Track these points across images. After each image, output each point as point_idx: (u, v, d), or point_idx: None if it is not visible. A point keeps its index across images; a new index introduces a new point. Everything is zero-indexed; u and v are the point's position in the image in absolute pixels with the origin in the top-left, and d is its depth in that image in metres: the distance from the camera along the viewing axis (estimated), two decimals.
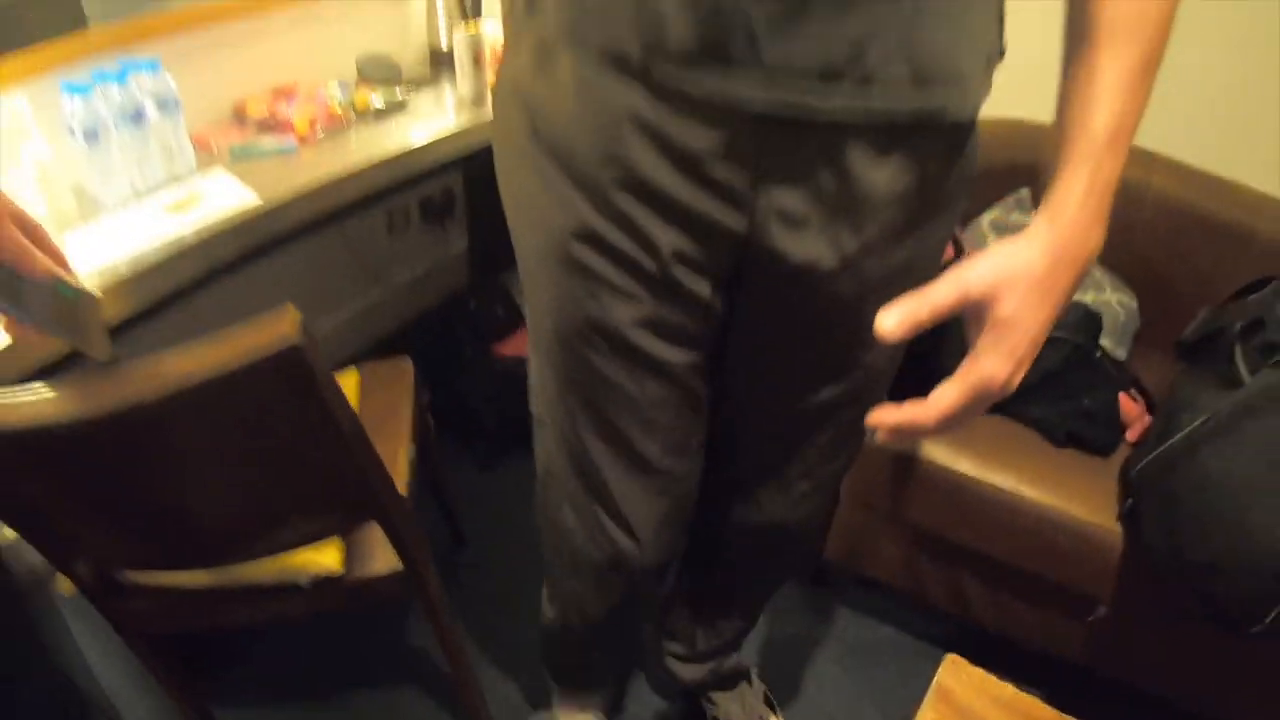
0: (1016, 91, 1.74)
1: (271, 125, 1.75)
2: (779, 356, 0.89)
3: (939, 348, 1.19)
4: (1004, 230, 1.74)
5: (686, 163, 0.68)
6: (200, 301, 1.40)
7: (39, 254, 0.77)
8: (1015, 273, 0.60)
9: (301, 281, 1.73)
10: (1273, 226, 1.61)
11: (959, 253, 1.52)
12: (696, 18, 0.60)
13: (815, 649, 1.71)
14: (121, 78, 1.49)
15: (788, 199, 0.70)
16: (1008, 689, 0.70)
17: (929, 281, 0.61)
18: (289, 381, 0.90)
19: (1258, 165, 1.67)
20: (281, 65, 1.92)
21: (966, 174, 0.77)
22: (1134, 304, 1.70)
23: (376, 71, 1.94)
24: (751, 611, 1.40)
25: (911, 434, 0.63)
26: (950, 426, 0.62)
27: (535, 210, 0.79)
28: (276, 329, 0.87)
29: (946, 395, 0.61)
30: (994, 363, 0.60)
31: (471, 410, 2.07)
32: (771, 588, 1.38)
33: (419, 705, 1.58)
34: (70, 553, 1.09)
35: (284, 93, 1.85)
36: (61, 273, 0.79)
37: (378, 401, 1.43)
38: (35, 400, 0.85)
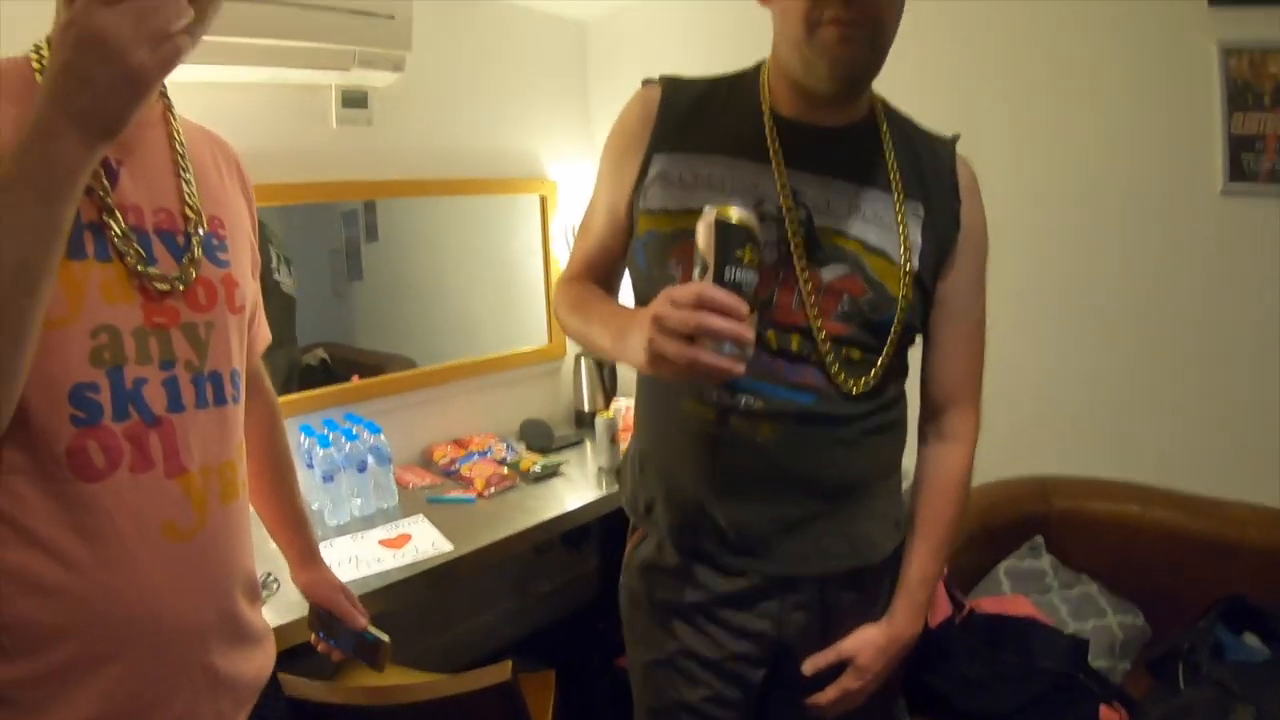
0: (1024, 454, 2.09)
1: (452, 472, 2.17)
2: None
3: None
4: (1018, 577, 1.94)
5: (742, 605, 1.10)
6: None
7: (355, 612, 1.18)
8: (867, 642, 1.09)
9: (461, 586, 2.04)
10: (1259, 534, 1.77)
11: (958, 607, 1.75)
12: (741, 540, 1.06)
13: None
14: (350, 434, 1.95)
15: (797, 614, 1.10)
16: None
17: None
18: (503, 703, 1.21)
19: (1246, 481, 1.84)
20: (461, 422, 2.41)
21: (886, 585, 1.15)
22: (1139, 621, 1.84)
23: (535, 435, 2.40)
24: None
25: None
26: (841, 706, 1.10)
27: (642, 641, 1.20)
28: (499, 674, 1.19)
29: (828, 693, 1.10)
30: (850, 680, 1.09)
31: (596, 712, 2.26)
32: None
33: None
34: None
35: (463, 444, 2.31)
36: (367, 623, 1.18)
37: (531, 702, 1.69)
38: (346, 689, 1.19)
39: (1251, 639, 1.67)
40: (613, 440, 2.23)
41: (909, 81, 2.17)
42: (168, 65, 0.63)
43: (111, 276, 0.76)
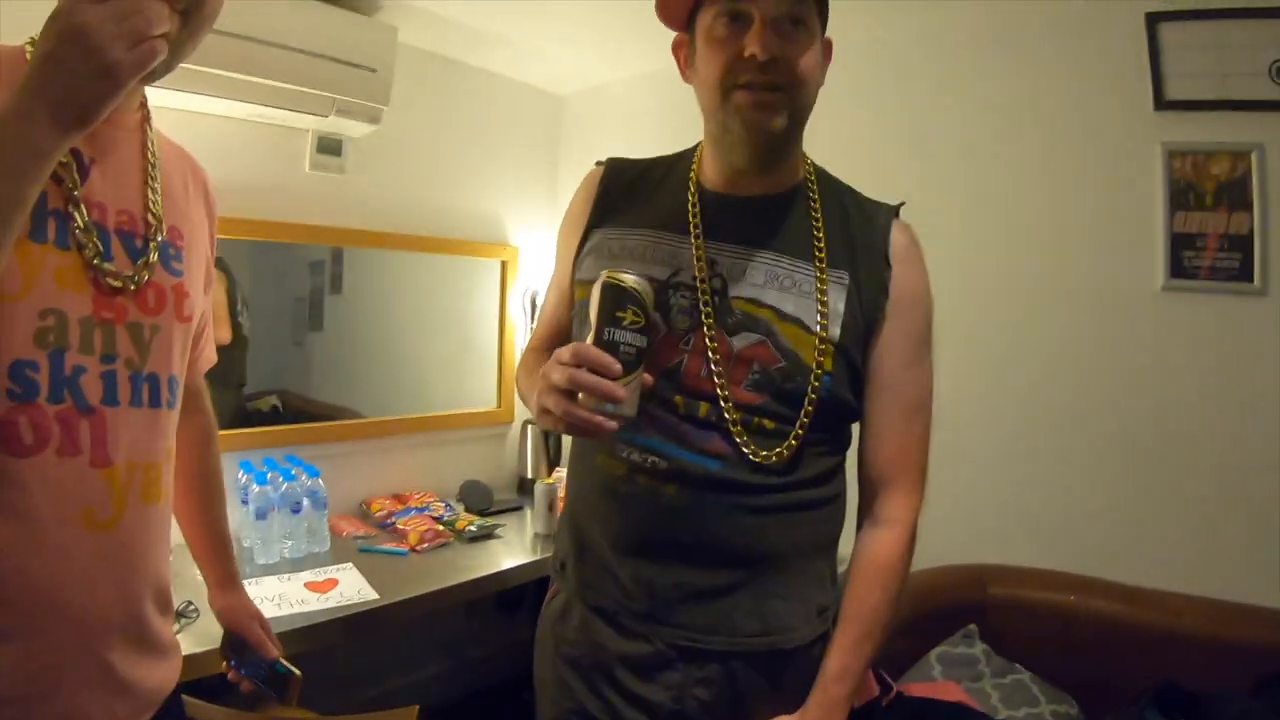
0: (961, 541, 2.10)
1: (388, 525, 2.13)
2: None
3: None
4: (950, 663, 1.94)
5: (642, 671, 1.05)
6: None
7: (269, 643, 1.17)
8: None
9: (385, 643, 1.97)
10: (1195, 623, 1.81)
11: (885, 689, 1.72)
12: (645, 600, 1.03)
13: None
14: (288, 474, 1.92)
15: (700, 690, 1.04)
16: None
17: None
18: None
19: (1182, 571, 1.87)
20: (402, 477, 2.37)
21: (805, 675, 1.07)
22: (1073, 710, 1.84)
23: (474, 496, 2.37)
24: None
25: None
26: None
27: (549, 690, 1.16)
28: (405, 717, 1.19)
29: None
30: None
31: None
32: None
33: None
34: None
35: (402, 499, 2.27)
36: (279, 655, 1.16)
37: None
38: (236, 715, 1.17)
39: None
40: (551, 507, 2.21)
41: (870, 162, 2.31)
42: (142, 64, 0.66)
43: (67, 264, 0.78)
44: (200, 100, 1.71)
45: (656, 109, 2.56)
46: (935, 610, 2.03)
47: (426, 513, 2.20)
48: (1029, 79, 2.01)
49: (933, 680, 1.91)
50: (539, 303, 2.56)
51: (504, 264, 2.59)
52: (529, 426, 2.59)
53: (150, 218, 0.88)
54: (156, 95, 1.38)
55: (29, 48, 0.80)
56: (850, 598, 1.04)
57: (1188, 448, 1.89)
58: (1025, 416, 2.08)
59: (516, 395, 2.56)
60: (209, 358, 1.11)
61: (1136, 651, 1.86)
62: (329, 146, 2.05)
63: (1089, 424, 2.00)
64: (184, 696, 1.02)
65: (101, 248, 0.81)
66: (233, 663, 1.16)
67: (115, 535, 0.81)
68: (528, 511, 2.40)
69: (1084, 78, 1.94)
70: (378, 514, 2.18)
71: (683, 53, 1.05)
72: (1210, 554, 1.87)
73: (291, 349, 2.28)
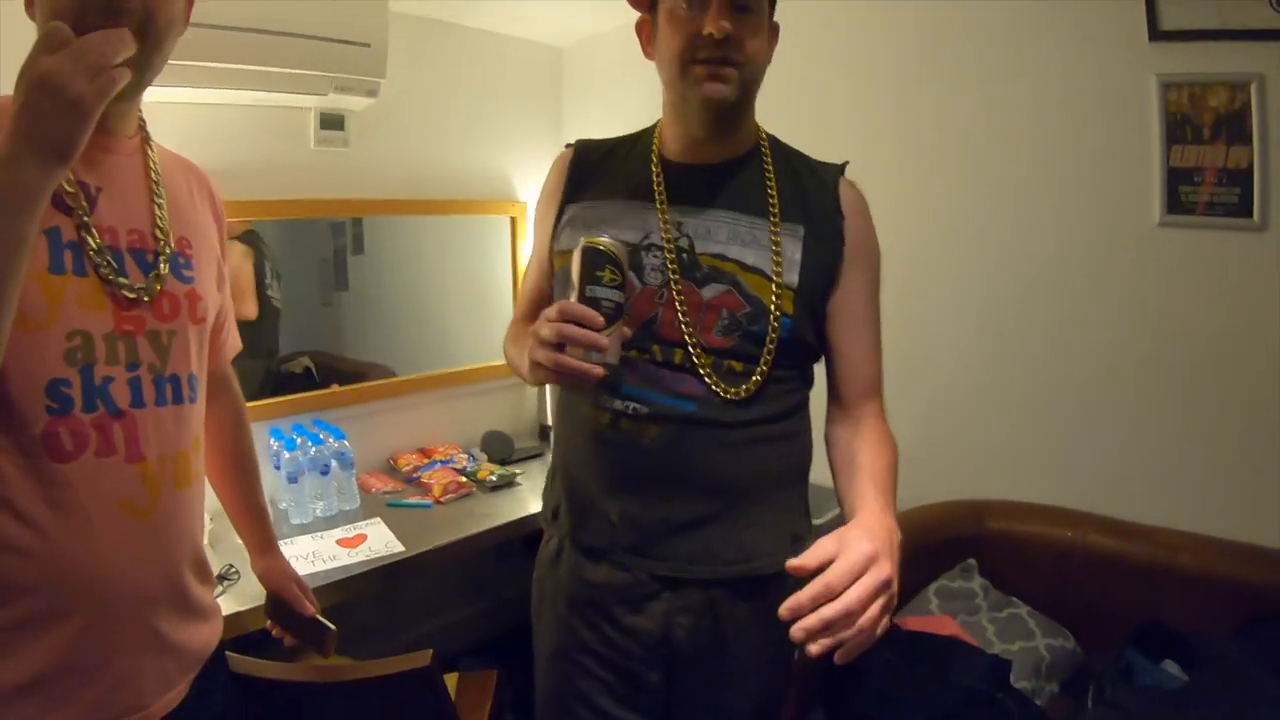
0: (960, 477, 2.17)
1: (414, 479, 2.26)
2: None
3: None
4: (948, 597, 2.01)
5: (631, 603, 1.17)
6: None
7: (306, 601, 1.30)
8: (849, 533, 0.87)
9: (421, 591, 2.13)
10: (1190, 559, 1.82)
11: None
12: (631, 534, 1.15)
13: None
14: (316, 439, 2.04)
15: (683, 618, 1.16)
16: None
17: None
18: (423, 687, 1.33)
19: (1178, 507, 1.89)
20: (427, 432, 2.49)
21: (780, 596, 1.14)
22: (1070, 644, 1.88)
23: (496, 446, 2.48)
24: None
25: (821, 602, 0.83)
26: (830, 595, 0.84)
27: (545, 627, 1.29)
28: (419, 660, 1.32)
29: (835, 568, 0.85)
30: (871, 577, 0.82)
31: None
32: None
33: None
34: None
35: (427, 453, 2.40)
36: (316, 612, 1.29)
37: (470, 699, 1.79)
38: (283, 667, 1.32)
39: (1172, 666, 1.72)
40: None
41: (853, 114, 2.28)
42: (105, 92, 0.72)
43: (87, 288, 0.87)
44: (202, 93, 1.77)
45: None
46: (935, 544, 2.09)
47: (450, 465, 2.32)
48: (1018, 10, 1.97)
49: (930, 614, 1.99)
50: None
51: (513, 220, 2.65)
52: None
53: (158, 232, 0.96)
54: (159, 93, 1.46)
55: None
56: (861, 460, 1.09)
57: (1185, 385, 1.90)
58: (1022, 354, 2.10)
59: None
60: (233, 345, 1.22)
61: (1132, 587, 1.90)
62: (331, 122, 2.10)
63: (1085, 361, 2.02)
64: (227, 653, 1.15)
65: (116, 266, 0.90)
66: (275, 619, 1.30)
67: (154, 519, 0.92)
68: (548, 457, 2.50)
69: (1075, 7, 1.90)
70: (405, 469, 2.30)
71: (645, 31, 1.16)
72: (1206, 491, 1.90)
73: (320, 310, 2.38)
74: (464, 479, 2.23)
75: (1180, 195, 1.84)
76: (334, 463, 2.04)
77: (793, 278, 1.12)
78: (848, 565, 0.84)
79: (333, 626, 1.27)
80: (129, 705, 0.92)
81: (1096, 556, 1.97)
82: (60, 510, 0.85)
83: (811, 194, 1.16)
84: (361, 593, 1.76)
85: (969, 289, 2.12)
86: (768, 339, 1.11)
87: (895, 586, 0.87)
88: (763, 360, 1.12)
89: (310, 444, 2.02)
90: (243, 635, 1.48)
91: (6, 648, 0.85)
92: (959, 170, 2.09)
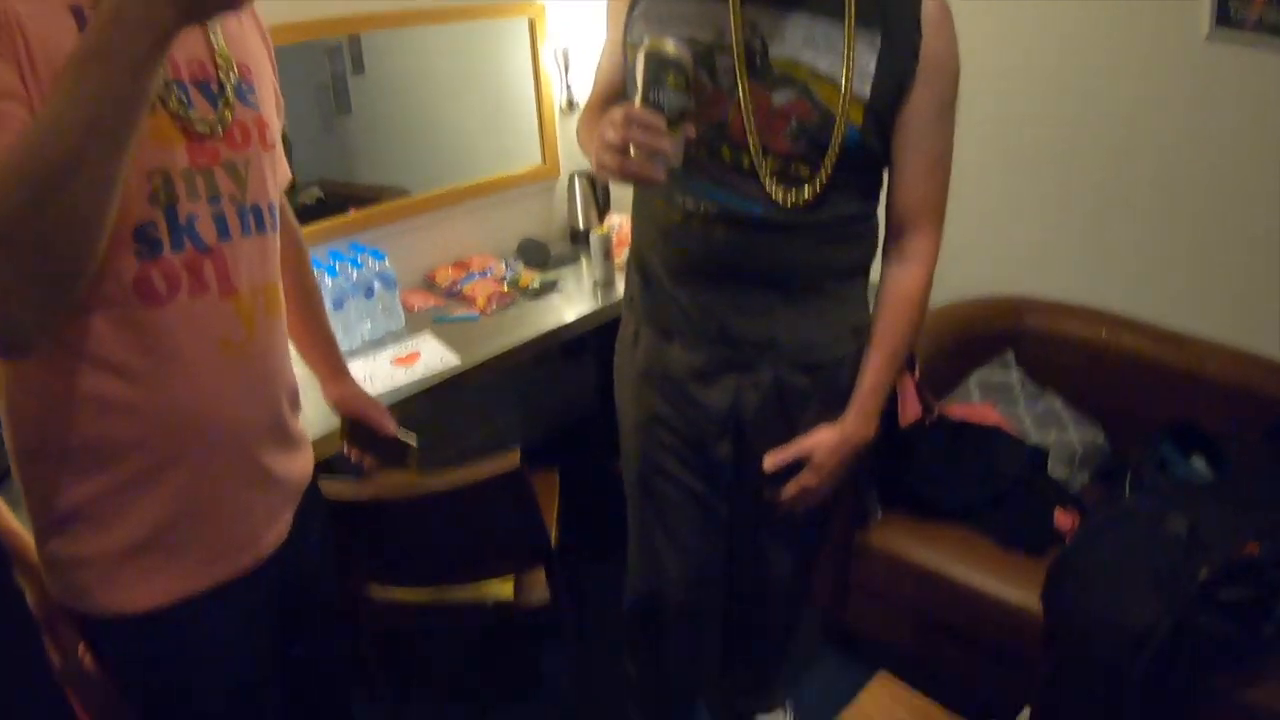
0: (1000, 274, 2.21)
1: (455, 293, 2.26)
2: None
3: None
4: (989, 388, 2.10)
5: (703, 379, 1.29)
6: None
7: (384, 419, 1.32)
8: (821, 441, 1.27)
9: (468, 399, 2.23)
10: (1217, 368, 1.92)
11: (928, 410, 1.86)
12: (702, 318, 1.25)
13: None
14: (356, 263, 2.03)
15: (751, 394, 1.28)
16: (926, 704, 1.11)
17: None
18: (512, 488, 1.43)
19: (1208, 317, 1.98)
20: (461, 245, 2.47)
21: (842, 383, 1.30)
22: (1100, 438, 2.00)
23: (532, 253, 2.47)
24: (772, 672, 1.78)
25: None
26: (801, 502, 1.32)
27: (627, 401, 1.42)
28: (508, 463, 1.39)
29: (789, 488, 1.31)
30: (808, 477, 1.29)
31: (595, 509, 2.48)
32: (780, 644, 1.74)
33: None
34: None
35: (464, 265, 2.39)
36: (394, 428, 1.32)
37: (540, 499, 1.89)
38: (374, 485, 1.41)
39: (1198, 461, 1.82)
40: (607, 255, 2.31)
41: None
42: None
43: (159, 124, 0.83)
44: None
45: None
46: (975, 336, 2.15)
47: (490, 275, 2.32)
48: None
49: (971, 403, 2.06)
50: (570, 58, 2.52)
51: (531, 21, 2.46)
52: (576, 178, 2.61)
53: (219, 60, 0.90)
54: None
55: None
56: (880, 324, 1.26)
57: (1225, 199, 1.91)
58: (1067, 157, 2.08)
59: (560, 150, 2.59)
60: (285, 175, 1.17)
61: (1161, 390, 1.98)
62: None
63: (1128, 168, 2.01)
64: (320, 480, 1.18)
65: (185, 98, 0.85)
66: (354, 443, 1.32)
67: (250, 351, 0.93)
68: (584, 261, 2.50)
69: None
70: (444, 284, 2.30)
71: None
72: (1239, 304, 1.95)
73: (323, 136, 2.27)
74: (506, 288, 2.23)
75: (1230, 9, 1.77)
76: (377, 283, 2.03)
77: (864, 89, 1.10)
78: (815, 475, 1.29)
79: (414, 441, 1.31)
80: (242, 542, 0.97)
81: (1128, 358, 2.05)
82: (159, 358, 0.85)
83: (893, 2, 1.11)
84: (423, 407, 1.81)
85: (1013, 94, 2.07)
86: (832, 146, 1.12)
87: (823, 488, 1.31)
88: (825, 167, 1.14)
89: (351, 267, 2.01)
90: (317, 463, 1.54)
91: (121, 507, 0.87)
92: None
